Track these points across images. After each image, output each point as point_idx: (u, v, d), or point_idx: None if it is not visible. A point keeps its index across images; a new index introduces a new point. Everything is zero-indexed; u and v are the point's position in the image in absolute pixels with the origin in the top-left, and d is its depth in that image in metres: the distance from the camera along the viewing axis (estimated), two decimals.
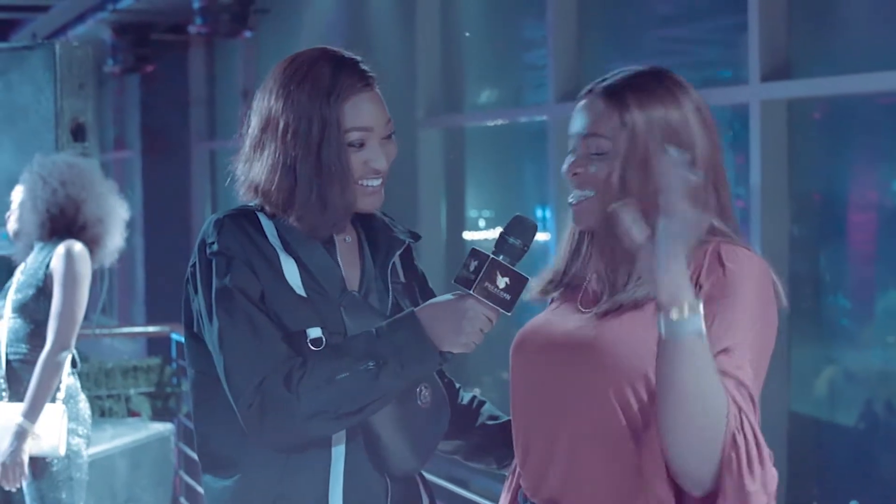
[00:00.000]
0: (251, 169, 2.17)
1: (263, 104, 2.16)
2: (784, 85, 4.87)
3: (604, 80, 2.06)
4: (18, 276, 4.32)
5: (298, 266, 2.13)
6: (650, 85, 2.03)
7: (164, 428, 6.06)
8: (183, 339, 2.23)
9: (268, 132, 2.14)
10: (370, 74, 2.18)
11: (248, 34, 8.86)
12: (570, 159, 2.06)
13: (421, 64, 7.65)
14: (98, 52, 8.15)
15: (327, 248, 2.18)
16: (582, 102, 2.07)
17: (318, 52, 2.18)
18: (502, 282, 2.01)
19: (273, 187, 2.13)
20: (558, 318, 2.10)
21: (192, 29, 8.91)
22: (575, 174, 2.05)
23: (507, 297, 2.02)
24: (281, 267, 2.11)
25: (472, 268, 2.02)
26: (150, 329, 8.66)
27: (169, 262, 11.39)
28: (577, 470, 2.00)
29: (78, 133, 5.17)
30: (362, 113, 2.14)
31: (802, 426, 5.05)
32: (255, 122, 2.17)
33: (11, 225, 4.40)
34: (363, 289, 2.21)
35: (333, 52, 2.19)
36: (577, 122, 2.06)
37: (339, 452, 2.12)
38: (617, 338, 1.97)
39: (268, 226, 2.15)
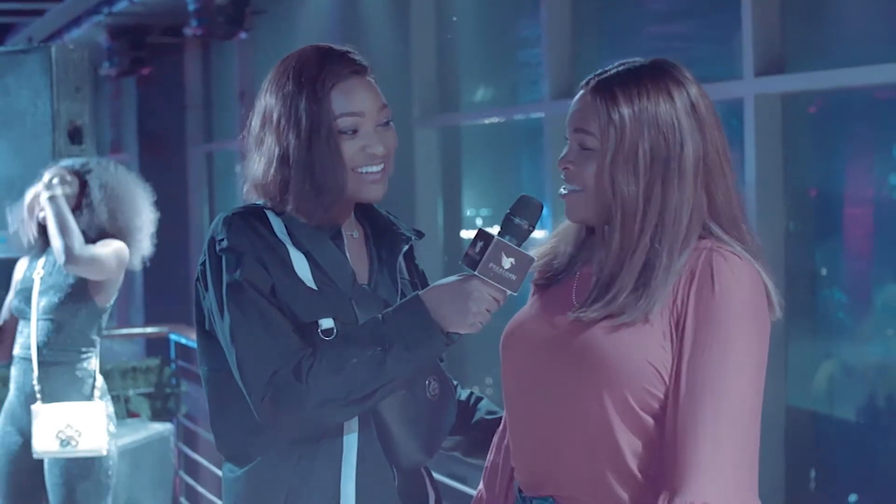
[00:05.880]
0: (252, 166, 2.20)
1: (261, 103, 2.19)
2: (778, 79, 4.88)
3: (601, 73, 2.05)
4: (41, 273, 4.29)
5: (308, 260, 2.14)
6: (642, 80, 2.01)
7: (163, 428, 6.07)
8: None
9: (265, 128, 2.17)
10: (360, 62, 2.18)
11: (243, 35, 8.86)
12: (563, 151, 2.06)
13: (416, 63, 7.66)
14: (94, 55, 8.16)
15: (336, 243, 2.19)
16: (578, 95, 2.06)
17: (309, 47, 2.21)
18: (507, 262, 2.00)
19: (269, 179, 2.15)
20: (550, 313, 2.07)
21: (188, 31, 8.91)
22: (565, 168, 2.05)
23: (513, 277, 2.01)
24: (291, 261, 2.12)
25: (477, 248, 2.02)
26: (149, 330, 8.64)
27: (167, 264, 11.36)
28: (577, 472, 1.98)
29: (75, 136, 5.18)
30: (352, 98, 2.14)
31: (800, 420, 5.05)
32: (255, 122, 2.20)
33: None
34: (372, 282, 2.22)
35: (323, 46, 2.21)
36: (570, 116, 2.06)
37: (351, 441, 2.12)
38: (613, 345, 1.94)
39: (276, 222, 2.16)
